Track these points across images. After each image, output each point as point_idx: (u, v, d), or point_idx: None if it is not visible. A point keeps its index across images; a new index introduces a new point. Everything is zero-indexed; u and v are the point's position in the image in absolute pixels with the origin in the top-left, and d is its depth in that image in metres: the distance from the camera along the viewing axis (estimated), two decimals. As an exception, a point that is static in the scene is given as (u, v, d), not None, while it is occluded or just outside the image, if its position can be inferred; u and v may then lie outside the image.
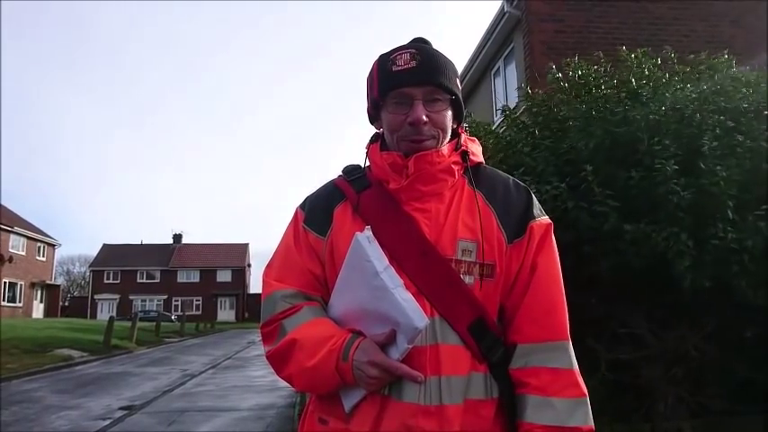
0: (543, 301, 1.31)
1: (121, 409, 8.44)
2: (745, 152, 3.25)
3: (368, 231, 1.26)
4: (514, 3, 9.60)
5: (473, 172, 1.37)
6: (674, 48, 4.37)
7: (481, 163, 1.43)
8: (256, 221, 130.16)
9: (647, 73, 4.00)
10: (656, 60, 4.17)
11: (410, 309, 1.16)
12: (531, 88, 4.42)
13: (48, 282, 44.85)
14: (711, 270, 3.11)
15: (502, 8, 9.87)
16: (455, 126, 1.41)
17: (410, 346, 1.18)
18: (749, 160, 3.22)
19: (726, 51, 4.24)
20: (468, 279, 1.27)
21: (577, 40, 8.76)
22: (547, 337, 1.28)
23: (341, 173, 1.46)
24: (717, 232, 3.06)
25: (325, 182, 1.48)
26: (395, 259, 1.25)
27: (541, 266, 1.32)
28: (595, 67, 4.12)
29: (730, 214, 3.06)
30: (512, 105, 4.81)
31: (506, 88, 10.95)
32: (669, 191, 3.12)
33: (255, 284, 67.46)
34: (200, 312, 58.31)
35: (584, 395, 1.27)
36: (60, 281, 61.47)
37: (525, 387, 1.26)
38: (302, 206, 1.44)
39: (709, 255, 3.09)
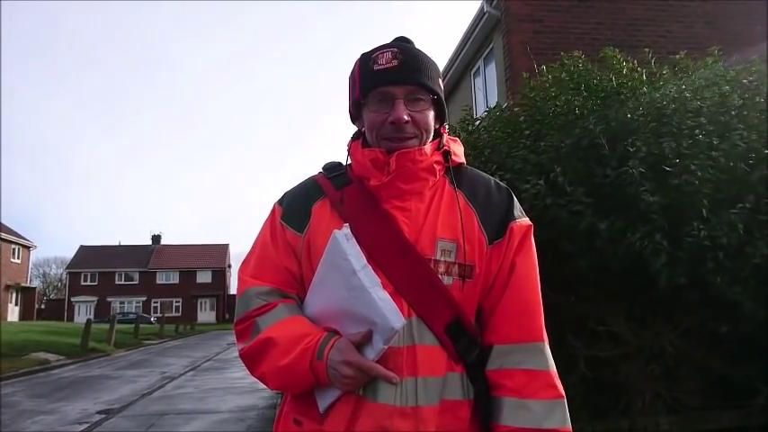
0: (520, 303, 1.30)
1: (99, 413, 8.33)
2: (719, 152, 3.30)
3: (346, 229, 1.24)
4: (494, 3, 9.64)
5: (454, 172, 1.37)
6: (651, 48, 4.42)
7: (462, 163, 1.42)
8: (236, 222, 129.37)
9: (625, 72, 4.03)
10: (634, 62, 4.21)
11: (387, 309, 1.15)
12: (513, 88, 4.43)
13: (23, 284, 43.99)
14: (687, 267, 3.15)
15: (481, 8, 9.92)
16: (437, 126, 1.40)
17: (386, 347, 1.16)
18: (723, 159, 3.27)
19: (718, 49, 4.29)
20: (446, 279, 1.26)
21: (556, 40, 8.83)
22: (522, 338, 1.28)
23: (321, 170, 1.45)
24: (691, 230, 3.10)
25: (305, 179, 1.46)
26: (373, 258, 1.24)
27: (519, 267, 1.32)
28: (580, 64, 4.14)
29: (705, 213, 3.10)
30: (492, 105, 4.82)
31: (486, 88, 11.01)
32: (638, 192, 3.15)
33: (236, 285, 66.88)
34: (179, 314, 57.78)
35: (562, 396, 1.26)
36: (36, 283, 60.60)
37: (501, 389, 1.25)
38: (280, 202, 1.42)
39: (684, 252, 3.13)
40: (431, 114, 1.35)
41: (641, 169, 3.16)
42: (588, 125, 3.48)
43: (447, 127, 1.49)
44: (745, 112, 3.53)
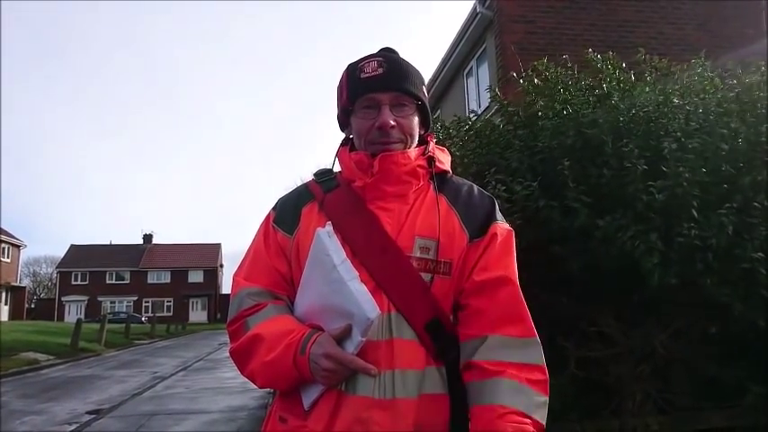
0: (510, 300, 1.32)
1: (88, 413, 8.28)
2: (707, 153, 3.31)
3: (328, 226, 1.28)
4: (486, 3, 9.67)
5: (439, 179, 1.41)
6: (642, 50, 4.43)
7: (447, 171, 1.46)
8: (229, 222, 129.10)
9: (616, 76, 4.04)
10: (622, 64, 4.21)
11: (362, 300, 1.18)
12: (504, 89, 4.44)
13: (13, 283, 43.70)
14: (678, 268, 3.17)
15: (474, 9, 9.95)
16: (423, 132, 1.46)
17: (364, 339, 1.19)
18: (711, 161, 3.29)
19: (702, 53, 4.30)
20: (425, 276, 1.29)
21: (548, 41, 8.86)
22: (519, 333, 1.28)
23: (312, 176, 1.50)
24: (682, 230, 3.12)
25: (299, 184, 1.53)
26: (356, 254, 1.28)
27: (502, 265, 1.34)
28: (563, 69, 4.15)
29: (695, 213, 3.11)
30: (484, 106, 4.84)
31: (479, 88, 11.02)
32: (638, 190, 3.16)
33: (228, 285, 66.70)
34: (171, 314, 57.52)
35: (548, 394, 1.26)
36: (26, 282, 60.20)
37: (498, 374, 1.23)
38: (274, 207, 1.48)
39: (675, 253, 3.14)
40: (415, 120, 1.41)
41: (645, 166, 3.17)
42: (582, 127, 3.49)
43: (440, 127, 1.52)
44: (725, 118, 3.54)
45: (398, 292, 1.27)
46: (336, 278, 1.21)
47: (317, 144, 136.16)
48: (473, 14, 10.12)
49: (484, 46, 10.63)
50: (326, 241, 1.25)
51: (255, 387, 1.42)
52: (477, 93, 11.01)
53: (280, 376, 1.26)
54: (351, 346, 1.20)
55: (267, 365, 1.25)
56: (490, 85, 4.87)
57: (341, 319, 1.21)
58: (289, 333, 1.25)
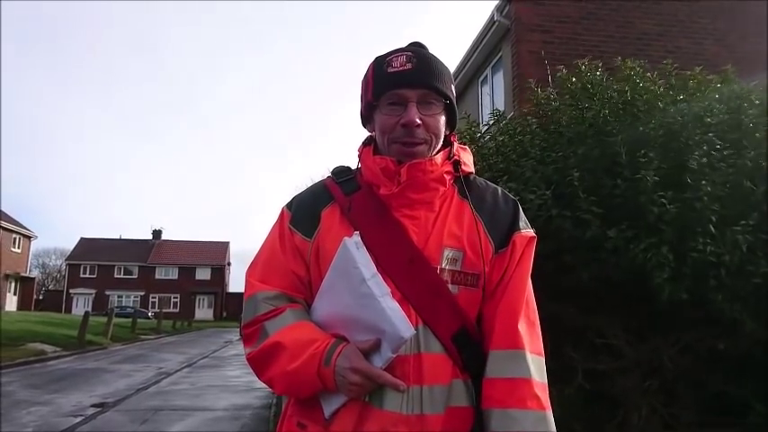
0: (508, 311, 1.29)
1: (93, 406, 8.33)
2: (729, 168, 3.29)
3: (356, 237, 1.24)
4: (504, 12, 9.66)
5: (463, 182, 1.37)
6: (658, 63, 4.40)
7: (471, 173, 1.42)
8: (237, 220, 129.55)
9: (642, 86, 4.00)
10: (653, 74, 4.17)
11: (397, 318, 1.16)
12: (519, 97, 4.43)
13: (22, 274, 43.96)
14: (689, 283, 3.15)
15: (492, 17, 9.93)
16: (447, 133, 1.39)
17: (394, 355, 1.17)
18: (733, 176, 3.27)
19: (731, 68, 4.26)
20: (453, 288, 1.26)
21: (564, 51, 8.83)
22: (506, 345, 1.26)
23: (330, 174, 1.44)
24: (696, 246, 3.10)
25: (314, 183, 1.46)
26: (381, 265, 1.24)
27: (514, 277, 1.31)
28: (598, 73, 4.10)
29: (712, 229, 3.09)
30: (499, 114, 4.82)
31: (493, 97, 11.01)
32: (651, 201, 3.15)
33: (234, 283, 67.14)
34: (177, 310, 57.74)
35: (543, 408, 1.23)
36: (35, 273, 60.50)
37: (488, 400, 1.24)
38: (289, 206, 1.41)
39: (688, 268, 3.12)
40: (442, 119, 1.34)
41: (656, 177, 3.15)
42: (603, 136, 3.48)
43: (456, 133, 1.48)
44: (755, 132, 3.52)
45: (426, 305, 1.23)
46: (366, 292, 1.18)
47: (326, 144, 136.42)
48: (490, 22, 10.11)
49: (500, 54, 10.61)
50: (355, 252, 1.21)
51: (260, 386, 1.40)
52: (492, 101, 10.99)
53: (301, 386, 1.23)
54: (379, 361, 1.18)
55: (289, 375, 1.22)
56: (495, 109, 4.81)
57: (368, 333, 1.19)
58: (312, 342, 1.22)
